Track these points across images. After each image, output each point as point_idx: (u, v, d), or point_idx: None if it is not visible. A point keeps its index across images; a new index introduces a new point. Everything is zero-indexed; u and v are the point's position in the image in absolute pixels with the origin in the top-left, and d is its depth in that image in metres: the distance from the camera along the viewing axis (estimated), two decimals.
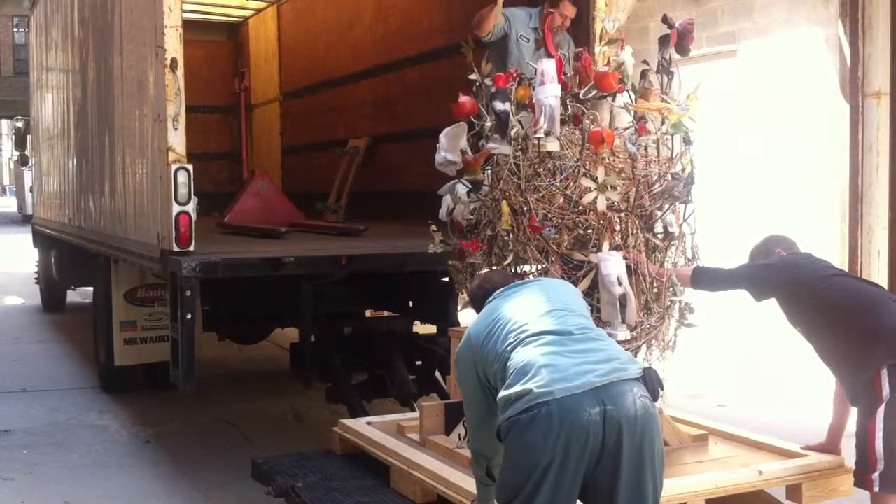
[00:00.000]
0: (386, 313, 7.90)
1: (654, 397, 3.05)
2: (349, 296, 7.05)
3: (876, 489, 3.87)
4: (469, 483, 3.76)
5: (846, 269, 6.89)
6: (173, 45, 5.54)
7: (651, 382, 3.05)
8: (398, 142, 9.42)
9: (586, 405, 2.88)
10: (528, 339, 3.11)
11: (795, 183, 7.64)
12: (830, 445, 4.28)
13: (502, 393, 3.03)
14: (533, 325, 3.18)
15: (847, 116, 7.27)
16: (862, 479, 3.92)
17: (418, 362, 6.87)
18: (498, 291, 3.51)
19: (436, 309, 6.87)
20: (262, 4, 12.83)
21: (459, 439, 4.40)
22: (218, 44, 13.91)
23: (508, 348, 3.14)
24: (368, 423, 5.01)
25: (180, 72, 5.53)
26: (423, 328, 7.30)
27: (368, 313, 7.98)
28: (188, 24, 6.00)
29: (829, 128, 7.41)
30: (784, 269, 4.12)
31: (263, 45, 13.11)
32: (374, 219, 8.43)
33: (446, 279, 6.87)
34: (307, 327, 6.69)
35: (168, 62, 5.52)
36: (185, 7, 6.16)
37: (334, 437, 5.03)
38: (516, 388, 2.97)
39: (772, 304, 4.17)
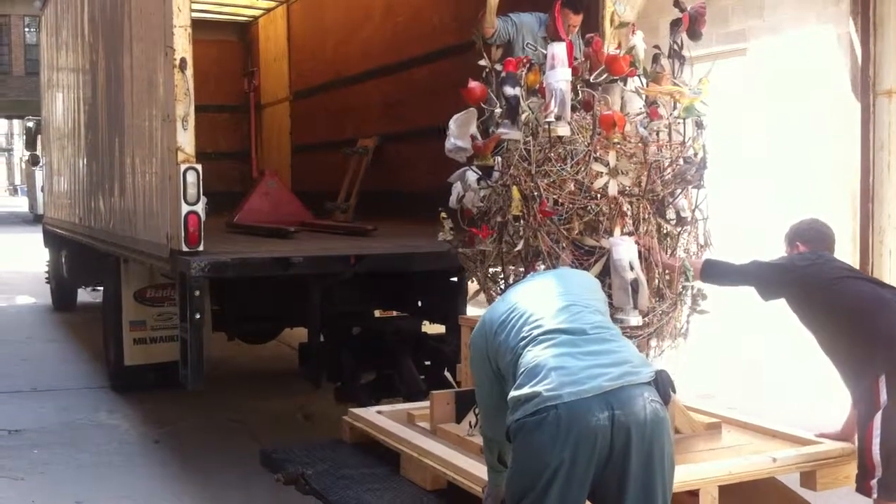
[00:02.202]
0: (395, 313, 7.89)
1: (666, 400, 3.02)
2: (358, 295, 7.04)
3: (874, 496, 3.86)
4: (480, 470, 3.73)
5: (857, 268, 6.85)
6: (182, 45, 5.53)
7: (663, 385, 3.02)
8: (407, 141, 9.41)
9: (595, 409, 2.85)
10: (540, 338, 3.08)
11: (805, 181, 7.61)
12: (845, 434, 4.22)
13: (512, 393, 3.01)
14: (547, 321, 3.14)
15: (858, 115, 7.23)
16: (862, 485, 3.91)
17: (427, 362, 6.87)
18: (529, 276, 3.50)
19: (445, 308, 6.86)
20: (272, 4, 12.83)
21: (470, 427, 4.39)
22: (227, 43, 13.92)
23: (521, 344, 3.11)
24: (378, 412, 5.02)
25: (189, 71, 5.53)
26: (432, 328, 7.29)
27: (377, 313, 7.97)
28: (197, 24, 6.00)
29: (840, 126, 7.39)
30: (791, 270, 4.09)
31: (273, 45, 13.11)
32: (382, 218, 8.43)
33: (455, 279, 6.88)
34: (316, 327, 6.69)
35: (177, 62, 5.52)
36: (195, 6, 6.17)
37: (344, 427, 5.03)
38: (525, 390, 2.95)
39: (781, 305, 4.14)
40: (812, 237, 4.27)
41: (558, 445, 2.85)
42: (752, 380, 7.62)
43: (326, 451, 4.83)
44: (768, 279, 4.09)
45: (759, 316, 6.78)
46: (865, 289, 4.08)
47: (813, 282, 4.02)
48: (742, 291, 4.25)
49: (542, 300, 3.27)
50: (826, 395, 4.73)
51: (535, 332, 3.11)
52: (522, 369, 3.02)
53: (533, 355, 3.04)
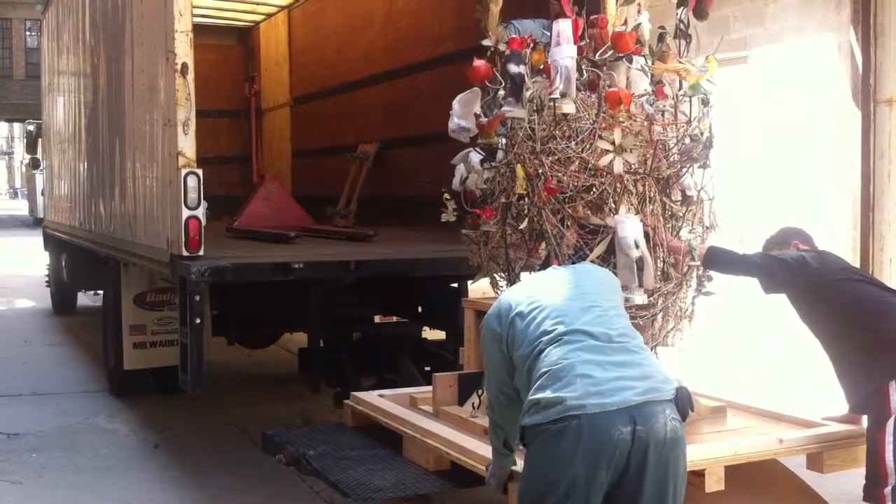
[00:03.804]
0: (395, 318, 7.89)
1: (684, 417, 3.01)
2: (358, 301, 7.05)
3: None
4: (484, 449, 3.72)
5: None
6: (184, 50, 5.55)
7: (682, 402, 3.00)
8: (408, 147, 9.41)
9: (618, 423, 2.84)
10: (565, 338, 3.03)
11: (806, 190, 7.61)
12: (852, 417, 4.19)
13: (534, 395, 2.96)
14: (572, 319, 3.09)
15: (859, 123, 7.23)
16: (873, 495, 3.85)
17: (427, 368, 6.86)
18: (551, 268, 3.48)
19: (445, 314, 6.85)
20: (273, 9, 12.85)
21: (473, 408, 4.39)
22: (229, 48, 13.94)
23: (544, 340, 3.05)
24: (380, 396, 5.03)
25: (191, 76, 5.54)
26: (431, 334, 7.29)
27: (377, 318, 7.97)
28: (199, 29, 6.01)
29: (841, 135, 7.38)
30: (796, 268, 4.03)
31: (274, 50, 13.13)
32: (383, 224, 8.43)
33: (455, 284, 6.88)
34: (316, 332, 6.69)
35: (178, 67, 5.53)
36: (196, 11, 6.18)
37: (346, 410, 5.06)
38: (548, 394, 2.91)
39: (780, 304, 4.12)
40: (806, 237, 4.27)
41: (579, 456, 2.83)
42: (750, 380, 7.60)
43: (328, 434, 4.87)
44: (774, 273, 4.03)
45: (757, 315, 6.78)
46: (871, 292, 4.05)
47: (819, 281, 3.98)
48: (742, 287, 4.23)
49: (566, 295, 3.22)
50: (826, 395, 4.72)
51: (559, 328, 3.06)
52: (545, 370, 2.98)
53: (557, 356, 2.99)
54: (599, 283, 3.40)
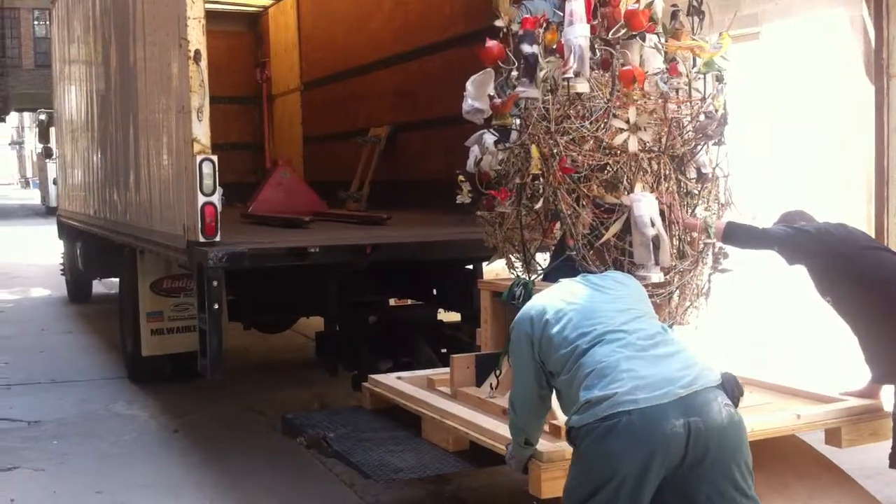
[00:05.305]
0: (410, 302, 7.92)
1: (735, 403, 2.99)
2: (373, 285, 7.07)
3: None
4: (503, 429, 3.74)
5: None
6: (196, 37, 5.56)
7: (730, 388, 2.98)
8: (419, 130, 9.41)
9: (671, 416, 2.81)
10: (607, 337, 3.04)
11: (820, 165, 7.60)
12: (869, 391, 4.20)
13: (582, 396, 2.93)
14: (609, 320, 3.11)
15: (872, 98, 7.21)
16: None
17: (444, 350, 6.88)
18: (581, 276, 3.49)
19: (460, 297, 6.87)
20: None
21: (491, 389, 4.41)
22: (238, 34, 13.92)
23: (584, 340, 3.05)
24: (398, 378, 5.07)
25: (204, 63, 5.55)
26: (447, 316, 7.31)
27: (392, 302, 7.99)
28: (208, 15, 5.99)
29: (854, 109, 7.36)
30: (819, 238, 4.02)
31: (283, 35, 13.11)
32: (395, 207, 8.44)
33: (470, 266, 6.89)
34: (332, 316, 6.71)
35: (191, 54, 5.54)
36: None
37: (364, 393, 5.10)
38: (596, 393, 2.89)
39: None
40: (809, 218, 4.27)
41: (632, 452, 2.81)
42: (757, 372, 7.61)
43: (347, 417, 4.91)
44: (796, 244, 4.01)
45: (762, 306, 6.78)
46: (893, 260, 4.04)
47: (842, 249, 3.96)
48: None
49: (600, 299, 3.25)
50: (833, 385, 4.73)
51: (598, 329, 3.07)
52: (589, 369, 2.97)
53: (601, 355, 2.99)
54: (630, 289, 3.43)
